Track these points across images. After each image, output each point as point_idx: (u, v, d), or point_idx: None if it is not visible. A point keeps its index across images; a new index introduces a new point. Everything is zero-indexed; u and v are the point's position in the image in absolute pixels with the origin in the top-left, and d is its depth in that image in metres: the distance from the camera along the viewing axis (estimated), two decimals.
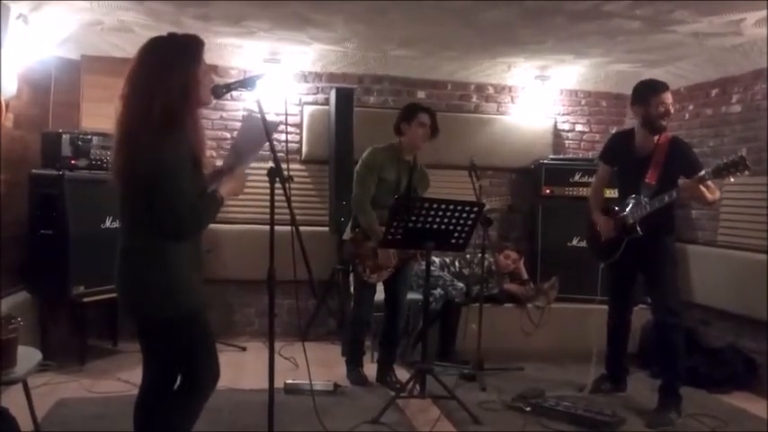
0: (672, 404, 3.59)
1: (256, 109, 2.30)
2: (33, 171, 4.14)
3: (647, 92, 3.62)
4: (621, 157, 3.80)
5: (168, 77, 2.05)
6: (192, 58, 2.12)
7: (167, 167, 2.02)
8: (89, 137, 4.24)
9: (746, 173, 3.26)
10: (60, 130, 4.20)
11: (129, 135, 2.05)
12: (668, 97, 3.61)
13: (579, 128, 5.80)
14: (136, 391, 3.50)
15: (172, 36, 2.17)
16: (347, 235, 4.03)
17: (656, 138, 3.62)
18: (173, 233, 2.10)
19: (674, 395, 3.61)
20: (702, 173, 3.34)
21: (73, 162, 4.13)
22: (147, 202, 2.05)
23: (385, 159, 3.88)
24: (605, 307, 4.02)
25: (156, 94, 2.03)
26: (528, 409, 3.58)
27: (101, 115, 4.56)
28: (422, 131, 3.84)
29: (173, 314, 2.15)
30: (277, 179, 2.38)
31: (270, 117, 4.98)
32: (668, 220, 3.65)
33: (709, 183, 3.40)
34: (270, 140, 2.31)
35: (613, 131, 4.12)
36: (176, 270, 2.14)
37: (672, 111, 3.63)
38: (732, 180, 3.37)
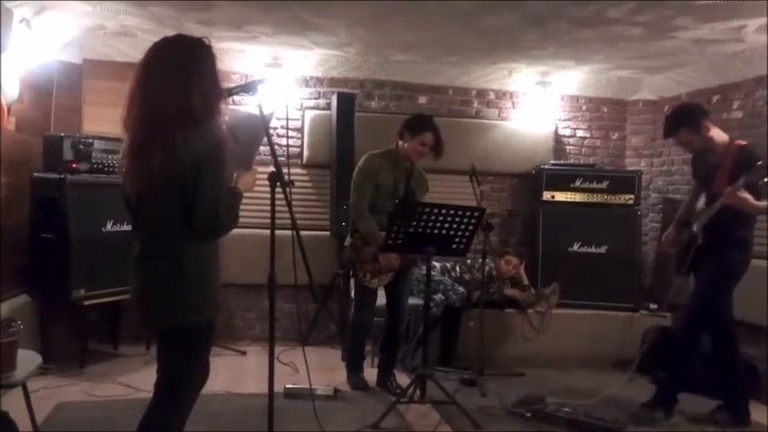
0: (660, 404, 3.62)
1: (257, 112, 2.30)
2: (35, 174, 4.14)
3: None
4: (699, 166, 3.77)
5: (198, 71, 2.05)
6: (212, 55, 2.13)
7: (206, 160, 1.99)
8: (91, 140, 4.25)
9: None
10: (62, 134, 4.20)
11: (164, 130, 1.98)
12: (678, 141, 3.58)
13: (580, 133, 5.80)
14: (136, 395, 3.52)
15: (185, 36, 2.16)
16: (348, 240, 4.03)
17: (725, 146, 3.54)
18: (210, 231, 2.07)
19: (665, 396, 3.64)
20: (740, 181, 3.28)
21: (74, 166, 4.13)
22: (180, 201, 2.00)
23: (381, 165, 3.88)
24: (607, 313, 4.01)
25: (191, 87, 2.01)
26: (528, 414, 3.57)
27: (102, 119, 4.58)
28: (421, 149, 3.81)
29: (199, 322, 2.12)
30: (278, 183, 2.38)
31: (271, 122, 5.00)
32: (732, 231, 3.48)
33: (764, 182, 3.30)
34: (268, 134, 2.30)
35: None
36: (207, 275, 2.13)
37: (691, 149, 3.61)
38: (762, 184, 3.24)
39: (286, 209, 2.35)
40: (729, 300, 3.56)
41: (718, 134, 3.58)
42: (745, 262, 3.57)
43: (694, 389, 4.01)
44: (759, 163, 3.24)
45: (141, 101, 2.04)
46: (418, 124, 3.83)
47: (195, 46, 2.11)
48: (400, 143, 3.89)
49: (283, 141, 5.07)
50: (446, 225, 3.49)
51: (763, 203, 3.36)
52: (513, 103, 5.64)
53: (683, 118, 3.56)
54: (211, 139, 2.02)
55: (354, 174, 3.95)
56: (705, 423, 3.54)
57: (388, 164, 3.89)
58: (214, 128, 2.05)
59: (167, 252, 2.08)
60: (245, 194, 2.31)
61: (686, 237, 3.71)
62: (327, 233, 5.02)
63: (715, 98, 4.86)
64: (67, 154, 4.12)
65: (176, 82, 2.02)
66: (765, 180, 3.24)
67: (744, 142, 3.62)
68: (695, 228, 3.61)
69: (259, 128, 2.32)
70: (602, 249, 5.10)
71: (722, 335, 3.59)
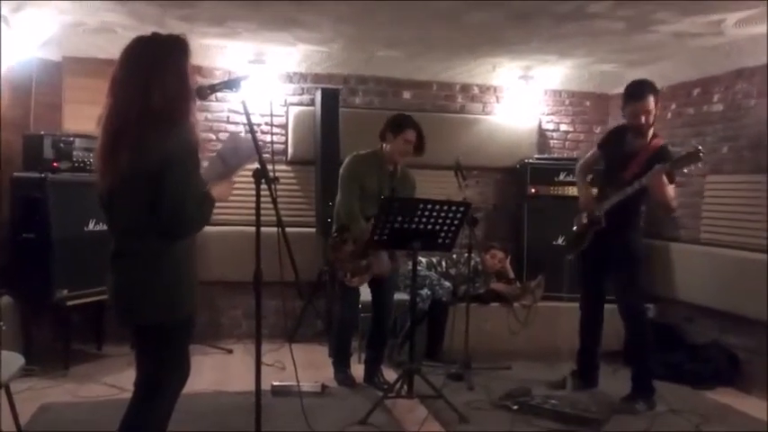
0: (640, 396, 3.68)
1: (242, 110, 2.29)
2: (15, 174, 4.09)
3: (625, 98, 3.69)
4: (612, 148, 3.85)
5: (162, 71, 2.04)
6: (182, 54, 2.12)
7: (175, 159, 1.99)
8: (71, 139, 4.20)
9: (699, 164, 3.39)
10: (42, 132, 4.15)
11: (128, 131, 2.00)
12: (642, 106, 3.58)
13: (563, 128, 5.84)
14: (121, 395, 3.49)
15: (157, 35, 2.16)
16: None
17: (647, 140, 3.64)
18: (177, 230, 2.06)
19: (643, 387, 3.70)
20: (665, 165, 3.39)
21: (55, 164, 4.08)
22: (149, 200, 2.01)
23: (365, 168, 3.87)
24: None
25: (152, 87, 2.01)
26: (515, 407, 3.59)
27: (83, 117, 4.50)
28: (404, 148, 3.82)
29: (175, 317, 2.14)
30: (263, 180, 2.37)
31: (255, 118, 4.97)
32: (634, 217, 3.70)
33: (689, 170, 3.50)
34: (259, 154, 2.30)
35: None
36: (182, 271, 2.13)
37: (643, 120, 3.59)
38: (686, 171, 3.45)
39: (271, 206, 2.34)
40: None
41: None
42: (643, 246, 3.84)
43: (668, 377, 4.10)
44: (690, 149, 3.38)
45: (110, 100, 2.06)
46: (400, 123, 3.84)
47: (163, 45, 2.11)
48: (384, 145, 3.88)
49: (268, 138, 5.05)
50: (432, 220, 3.50)
51: (671, 196, 3.53)
52: (497, 97, 5.66)
53: (652, 87, 3.64)
54: (179, 139, 2.02)
55: (340, 174, 3.95)
56: (622, 412, 3.59)
57: (373, 167, 3.88)
58: (183, 128, 2.05)
59: (140, 250, 2.09)
60: (231, 191, 2.31)
61: (586, 217, 3.82)
62: (313, 230, 5.00)
63: (696, 91, 4.91)
64: (48, 153, 4.08)
65: (137, 82, 2.03)
66: (685, 170, 3.43)
67: (662, 141, 3.74)
68: (601, 210, 3.71)
69: (249, 152, 2.32)
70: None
71: (638, 315, 3.73)
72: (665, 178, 3.44)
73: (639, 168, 3.57)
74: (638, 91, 3.62)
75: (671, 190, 3.53)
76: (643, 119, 3.60)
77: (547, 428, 3.37)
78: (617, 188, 3.63)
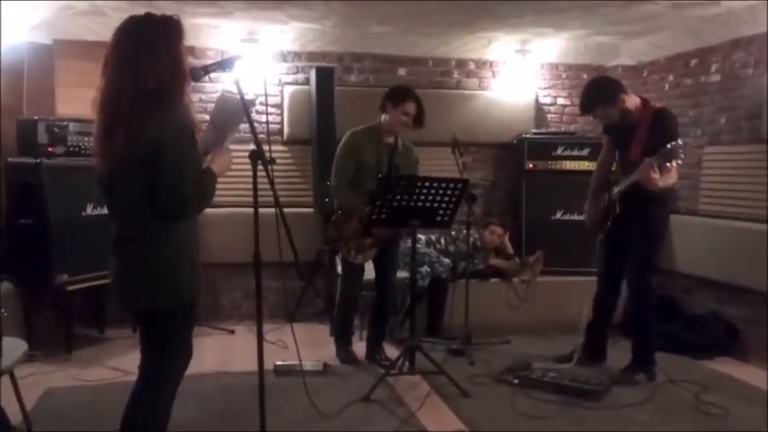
0: (640, 367, 3.71)
1: (235, 90, 2.27)
2: (9, 160, 4.06)
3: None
4: (614, 130, 3.79)
5: (155, 52, 2.02)
6: (175, 34, 2.09)
7: (170, 140, 1.97)
8: (65, 123, 4.16)
9: (679, 161, 3.31)
10: (36, 117, 4.11)
11: (121, 113, 1.98)
12: (594, 115, 3.67)
13: (561, 101, 5.80)
14: (124, 378, 3.51)
15: (151, 15, 2.12)
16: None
17: (638, 115, 3.59)
18: (178, 210, 2.04)
19: (643, 359, 3.72)
20: (652, 159, 3.33)
21: (50, 149, 4.05)
22: (148, 183, 1.99)
23: (363, 142, 3.85)
24: (591, 279, 4.07)
25: (144, 68, 1.99)
26: (516, 381, 3.63)
27: (76, 100, 4.46)
28: (404, 119, 3.79)
29: (178, 302, 2.13)
30: (259, 161, 2.35)
31: (248, 98, 4.92)
32: (651, 193, 3.56)
33: (672, 165, 3.38)
34: (248, 115, 2.28)
35: None
36: (184, 256, 2.12)
37: (607, 121, 3.68)
38: (670, 165, 3.33)
39: (268, 186, 2.33)
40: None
41: (631, 101, 3.62)
42: (666, 220, 3.77)
43: (667, 348, 4.12)
44: (669, 146, 3.28)
45: (104, 82, 2.04)
46: (400, 94, 3.81)
47: (156, 25, 2.08)
48: (383, 117, 3.86)
49: (263, 118, 5.01)
50: (430, 197, 3.49)
51: (666, 182, 3.42)
52: (492, 72, 5.61)
53: (596, 96, 3.61)
54: (173, 120, 2.00)
55: (336, 152, 3.93)
56: (621, 384, 3.62)
57: (371, 141, 3.86)
58: (176, 109, 2.02)
59: (141, 234, 2.08)
60: (228, 174, 2.30)
61: (605, 200, 3.78)
62: (311, 209, 5.00)
63: (693, 62, 4.88)
64: (42, 138, 4.04)
65: (130, 63, 2.00)
66: (677, 162, 3.31)
67: (659, 106, 3.68)
68: (614, 195, 3.68)
69: (237, 111, 2.29)
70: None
71: (644, 289, 3.70)
72: (656, 170, 3.33)
73: (642, 143, 3.50)
74: (583, 105, 3.66)
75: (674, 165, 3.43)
76: (606, 122, 3.64)
77: (548, 401, 3.40)
78: (626, 170, 3.59)
